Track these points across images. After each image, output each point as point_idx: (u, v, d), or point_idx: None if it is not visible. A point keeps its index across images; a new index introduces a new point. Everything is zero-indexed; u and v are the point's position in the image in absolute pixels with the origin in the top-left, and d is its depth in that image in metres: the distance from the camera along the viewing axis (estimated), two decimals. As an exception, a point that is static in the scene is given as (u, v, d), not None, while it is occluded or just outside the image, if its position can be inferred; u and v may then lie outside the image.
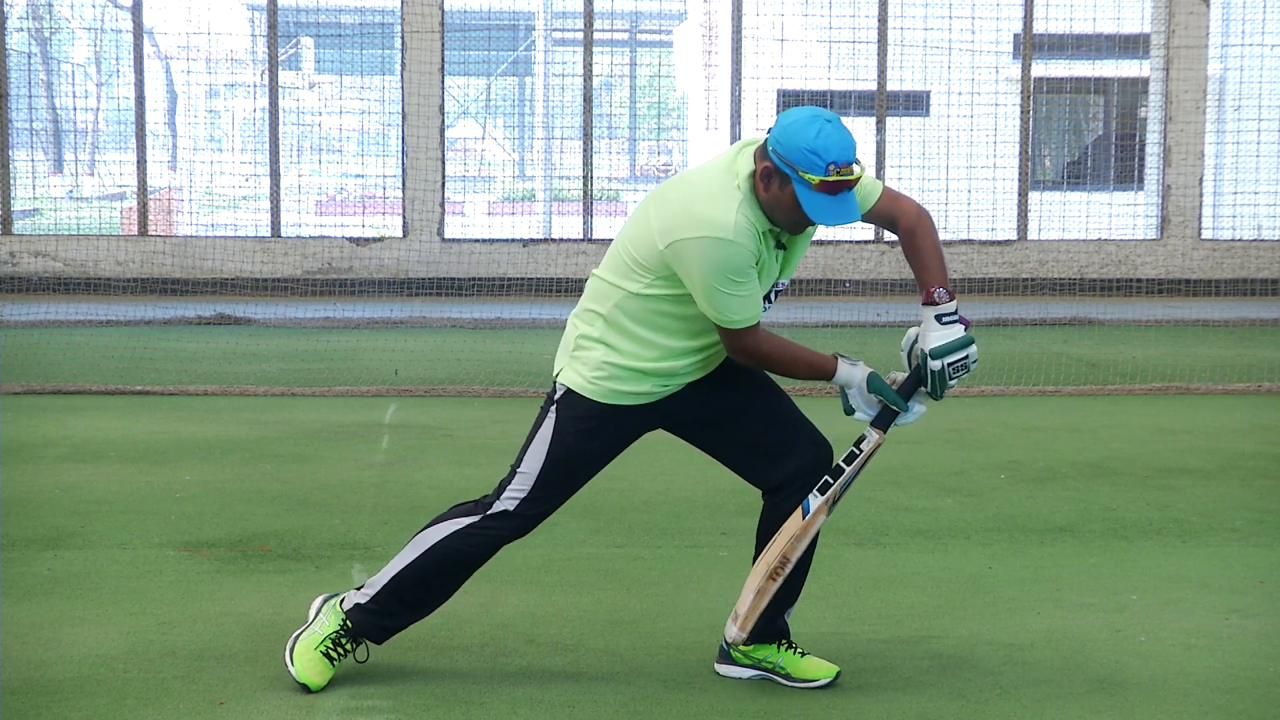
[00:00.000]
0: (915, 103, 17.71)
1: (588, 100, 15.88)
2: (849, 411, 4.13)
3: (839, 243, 15.84)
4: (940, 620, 4.80)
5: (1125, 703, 4.12)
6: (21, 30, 19.40)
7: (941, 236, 16.25)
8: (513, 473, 4.15)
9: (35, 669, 4.28)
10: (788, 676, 4.24)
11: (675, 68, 25.35)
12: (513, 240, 15.89)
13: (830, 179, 3.86)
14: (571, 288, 15.22)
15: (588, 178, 15.91)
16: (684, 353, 4.08)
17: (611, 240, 16.58)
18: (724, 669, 4.31)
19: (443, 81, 15.72)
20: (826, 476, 4.14)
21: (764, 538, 4.25)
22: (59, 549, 5.57)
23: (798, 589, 4.30)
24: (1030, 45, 16.06)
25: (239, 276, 15.28)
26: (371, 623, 4.19)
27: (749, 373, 4.20)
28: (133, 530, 5.85)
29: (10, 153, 15.49)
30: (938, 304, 4.08)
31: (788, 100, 17.91)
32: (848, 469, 4.13)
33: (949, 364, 4.05)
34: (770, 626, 4.28)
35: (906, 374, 4.13)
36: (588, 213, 15.86)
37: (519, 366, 10.34)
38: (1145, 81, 16.99)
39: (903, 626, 4.74)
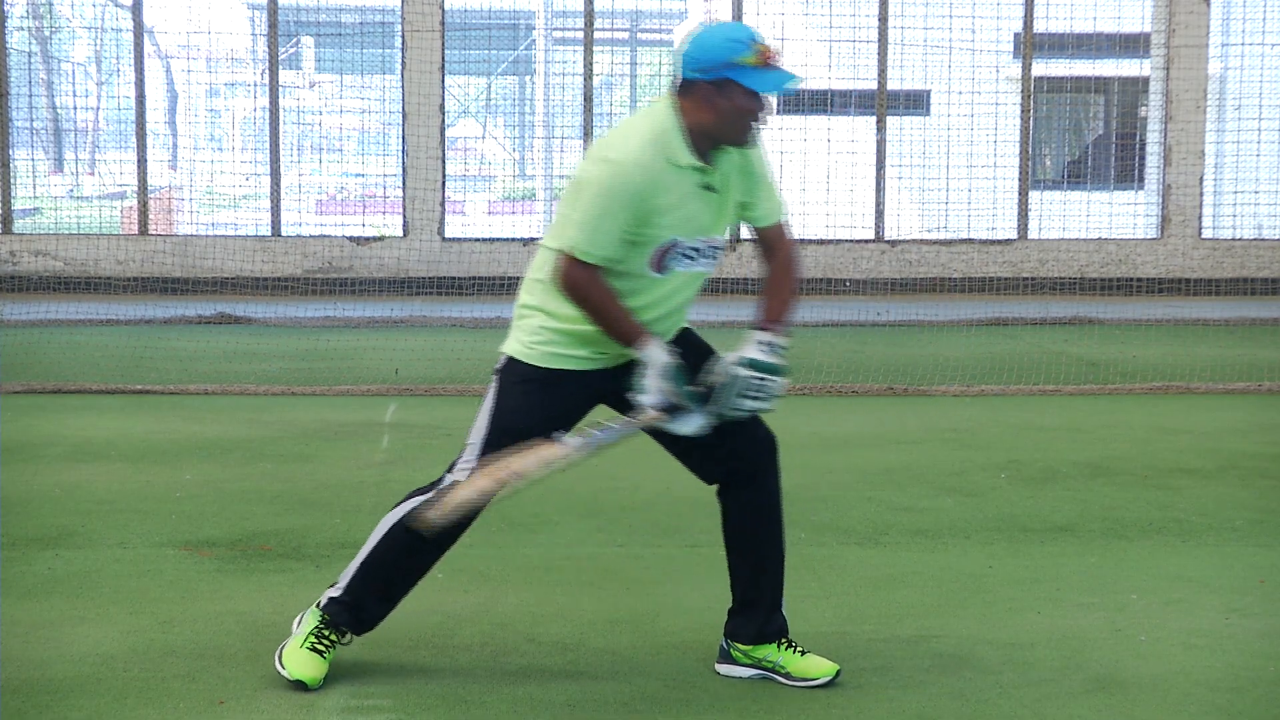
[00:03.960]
0: (916, 102, 17.71)
1: (588, 99, 15.88)
2: (635, 390, 4.03)
3: (839, 242, 15.84)
4: (940, 620, 4.80)
5: (1125, 702, 4.12)
6: (22, 29, 19.40)
7: (942, 236, 16.29)
8: (463, 446, 4.18)
9: (36, 668, 4.28)
10: (788, 675, 4.24)
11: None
12: (513, 239, 15.89)
13: (761, 49, 3.93)
14: (572, 287, 15.20)
15: (588, 177, 15.88)
16: None
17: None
18: (724, 669, 4.31)
19: (443, 80, 15.72)
20: (594, 428, 4.04)
21: (731, 537, 4.28)
22: (59, 548, 5.58)
23: (778, 577, 4.30)
24: (1030, 44, 16.06)
25: (239, 276, 15.28)
26: (346, 614, 4.21)
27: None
28: (133, 529, 5.85)
29: (11, 152, 15.48)
30: (773, 333, 4.08)
31: (787, 99, 17.91)
32: (616, 425, 4.03)
33: (752, 378, 4.01)
34: (769, 625, 4.28)
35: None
36: (588, 212, 15.84)
37: (519, 366, 10.33)
38: (1146, 81, 16.99)
39: (903, 626, 4.74)
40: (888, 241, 15.84)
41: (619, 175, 3.91)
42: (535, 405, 4.12)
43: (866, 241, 15.87)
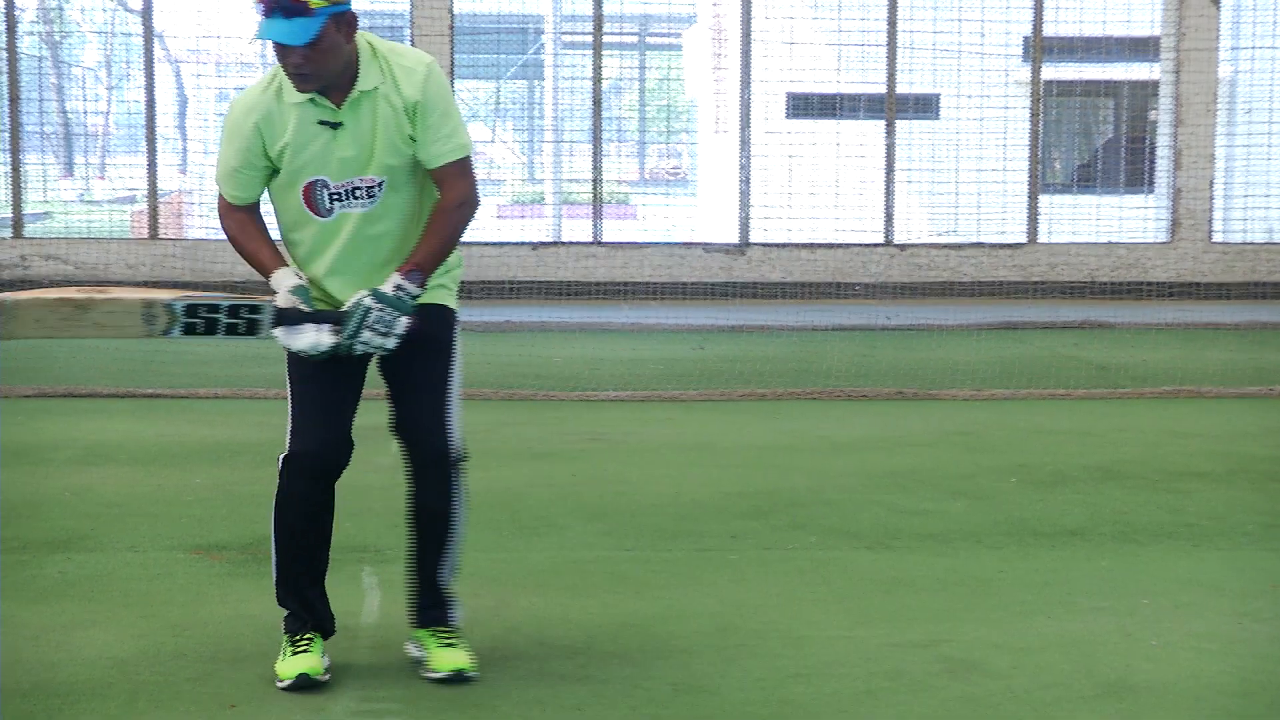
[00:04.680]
0: (925, 105, 17.70)
1: (597, 103, 15.89)
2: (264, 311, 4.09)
3: (848, 246, 15.82)
4: (950, 624, 4.80)
5: (1136, 706, 4.11)
6: (32, 34, 19.44)
7: (951, 239, 16.29)
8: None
9: (46, 671, 4.29)
10: (428, 665, 4.26)
11: (684, 71, 25.34)
12: (522, 243, 15.90)
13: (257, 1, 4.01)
14: (581, 291, 15.22)
15: (597, 181, 15.91)
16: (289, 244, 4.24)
17: (621, 244, 16.43)
18: (407, 647, 4.37)
19: (452, 84, 15.73)
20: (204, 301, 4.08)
21: (409, 515, 4.35)
22: (70, 552, 5.58)
23: (431, 576, 4.33)
24: (1040, 48, 16.05)
25: (250, 279, 15.28)
26: (282, 603, 4.33)
27: (422, 355, 4.23)
28: (143, 533, 5.86)
29: (21, 156, 15.51)
30: (407, 280, 4.08)
31: (796, 103, 17.91)
32: (221, 299, 4.06)
33: (379, 311, 4.02)
34: (426, 614, 4.32)
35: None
36: (597, 216, 15.86)
37: (528, 369, 10.35)
38: (1155, 84, 16.96)
39: (912, 630, 4.73)
40: (897, 245, 15.83)
41: (231, 114, 4.15)
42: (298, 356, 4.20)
43: (876, 245, 15.86)
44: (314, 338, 4.06)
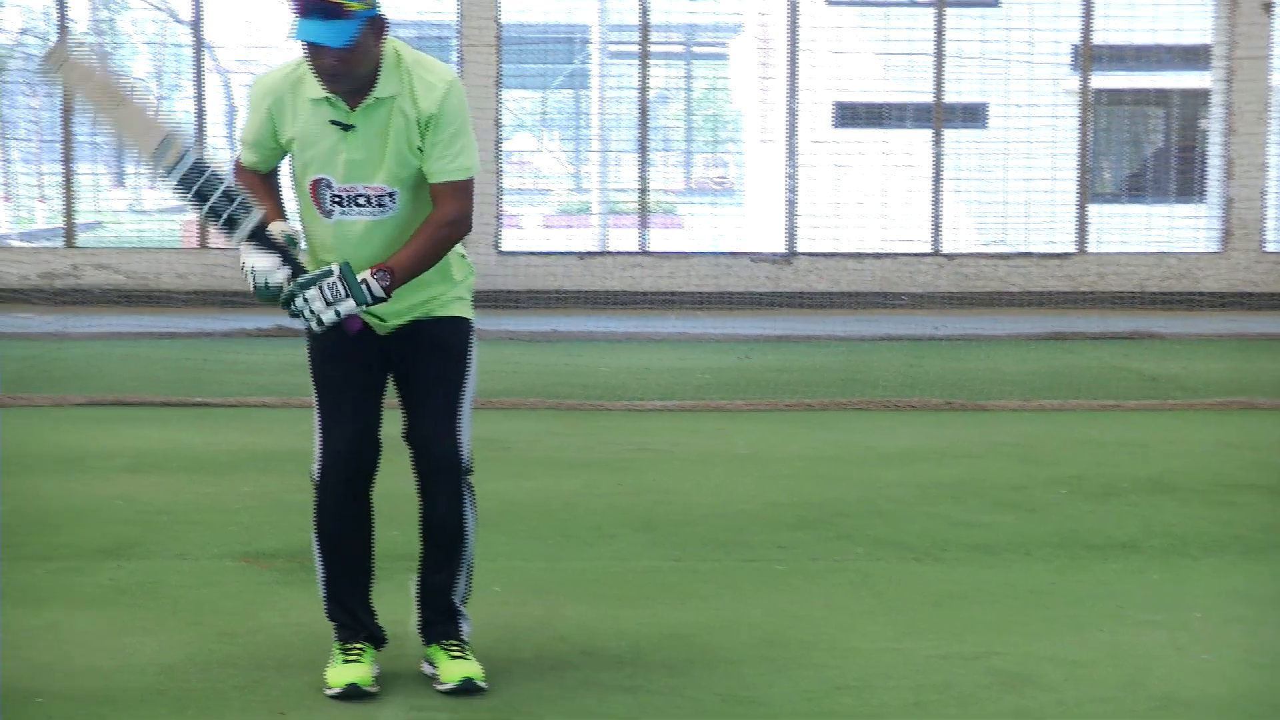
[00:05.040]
0: (973, 115, 17.62)
1: (643, 113, 15.90)
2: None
3: (896, 256, 15.77)
4: (1001, 636, 4.76)
5: (1189, 721, 4.07)
6: (84, 45, 19.62)
7: (999, 249, 16.20)
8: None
9: (98, 678, 4.32)
10: (439, 678, 4.26)
11: (731, 80, 25.34)
12: (569, 253, 15.91)
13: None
14: (627, 300, 15.22)
15: (644, 190, 15.91)
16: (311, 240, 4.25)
17: (667, 253, 16.41)
18: (423, 664, 4.37)
19: (499, 94, 15.77)
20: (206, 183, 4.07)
21: (420, 527, 4.39)
22: (120, 559, 5.62)
23: (445, 590, 4.34)
24: (1089, 57, 15.96)
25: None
26: (330, 614, 4.34)
27: (437, 362, 4.28)
28: (193, 541, 5.89)
29: (73, 166, 15.65)
30: (374, 277, 4.06)
31: (843, 113, 17.87)
32: (227, 180, 4.07)
33: (336, 281, 4.01)
34: (434, 627, 4.32)
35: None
36: (644, 225, 15.87)
37: (575, 379, 10.35)
38: (1206, 93, 16.83)
39: (963, 642, 4.70)
40: (945, 255, 15.76)
41: (253, 89, 4.21)
42: (333, 351, 4.23)
43: (923, 255, 15.79)
44: (270, 266, 4.03)
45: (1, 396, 9.25)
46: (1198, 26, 16.60)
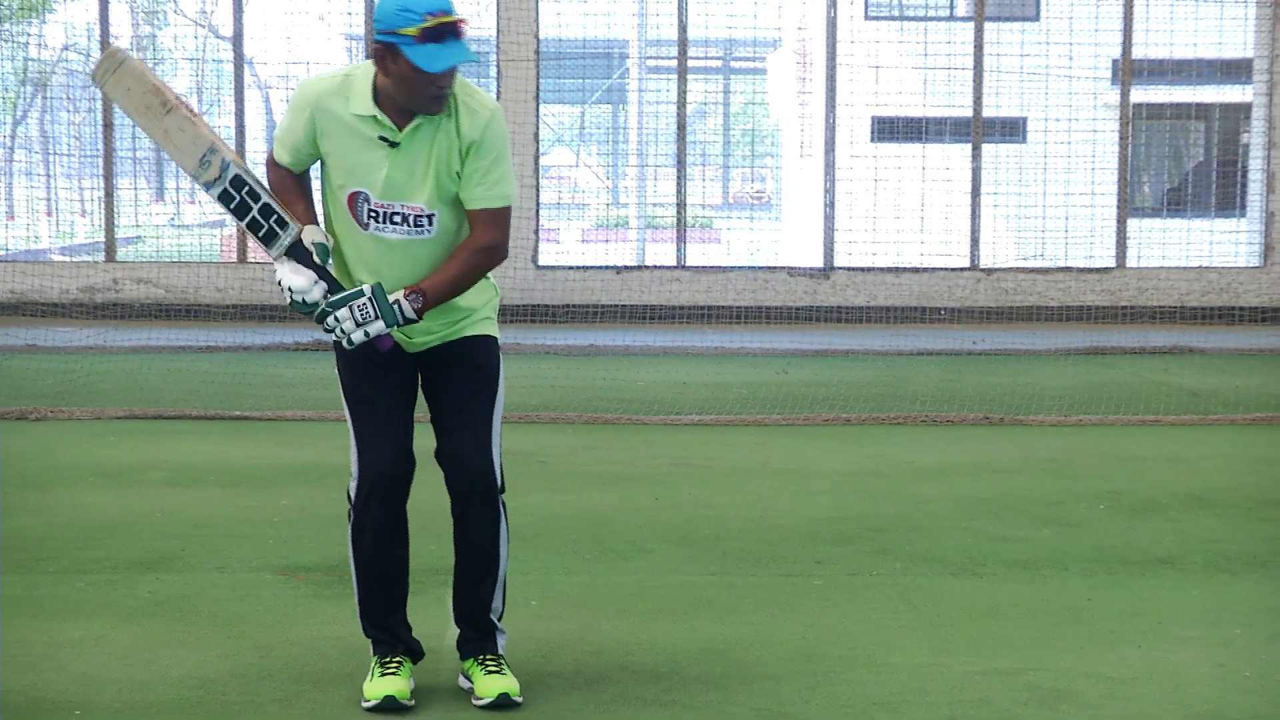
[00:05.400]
0: (1012, 129, 17.57)
1: (681, 127, 15.91)
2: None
3: (934, 270, 15.73)
4: (1038, 652, 4.74)
5: (1229, 739, 4.04)
6: (136, 54, 19.76)
7: (1038, 264, 16.14)
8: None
9: (136, 690, 4.34)
10: (475, 693, 4.26)
11: (769, 95, 25.35)
12: (606, 267, 15.93)
13: (429, 25, 3.98)
14: (665, 315, 15.23)
15: (681, 205, 15.93)
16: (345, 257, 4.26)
17: (705, 268, 16.36)
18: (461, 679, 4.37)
19: (538, 109, 15.81)
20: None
21: (456, 544, 4.40)
22: (159, 572, 5.65)
23: (483, 611, 4.34)
24: (1129, 71, 15.89)
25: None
26: (365, 629, 4.34)
27: (469, 381, 4.30)
28: (231, 554, 5.92)
29: (114, 181, 15.76)
30: (408, 299, 4.09)
31: (882, 127, 17.84)
32: (265, 195, 4.12)
33: (369, 301, 4.04)
34: (470, 643, 4.33)
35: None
36: (681, 240, 15.88)
37: (612, 393, 10.36)
38: (1248, 106, 16.73)
39: (1000, 658, 4.68)
40: (983, 270, 15.70)
41: (299, 93, 4.19)
42: (365, 370, 4.25)
43: (962, 270, 15.75)
44: (305, 285, 4.08)
45: (42, 410, 9.32)
46: (1238, 40, 16.51)
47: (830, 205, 15.91)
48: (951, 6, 20.02)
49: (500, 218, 4.20)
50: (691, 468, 7.83)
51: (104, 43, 15.66)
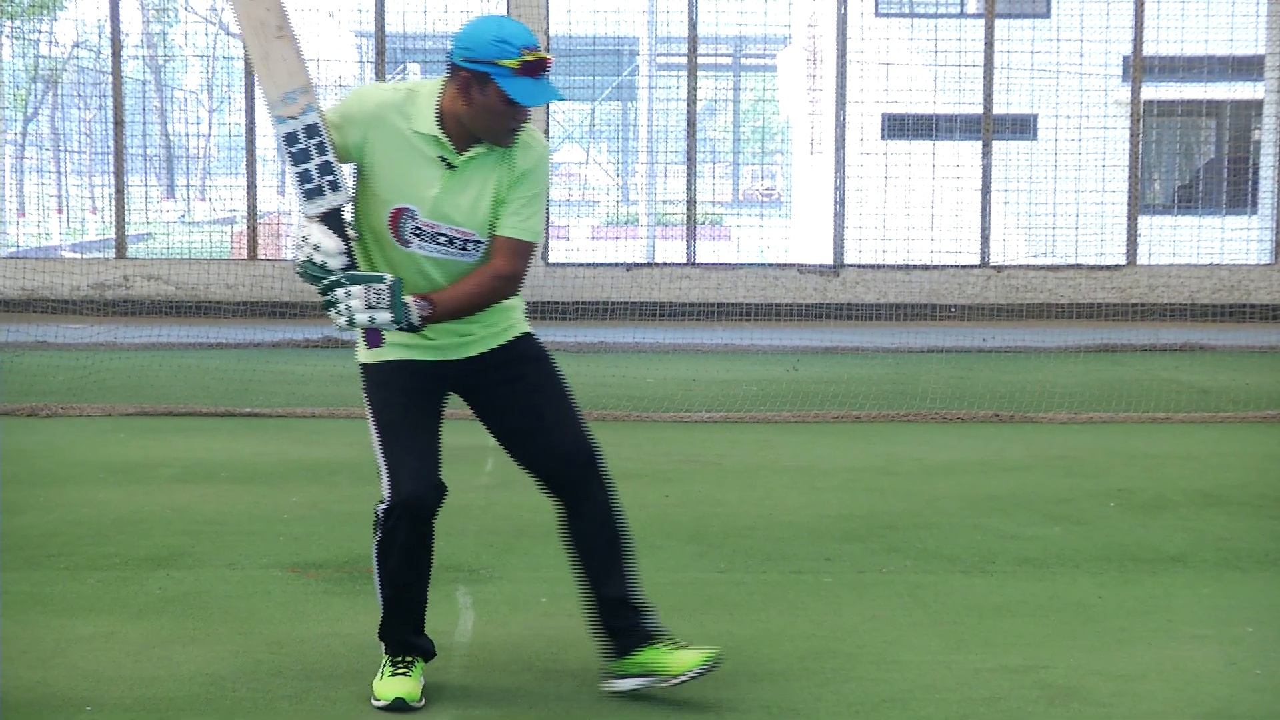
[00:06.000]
0: (1022, 126, 17.56)
1: (691, 124, 15.91)
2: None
3: (944, 268, 15.72)
4: (1048, 650, 4.73)
5: (1240, 737, 4.03)
6: (136, 58, 19.79)
7: (1049, 261, 16.12)
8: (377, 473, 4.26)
9: (146, 687, 4.34)
10: (665, 674, 4.22)
11: (779, 92, 25.34)
12: (616, 264, 15.94)
13: (528, 59, 3.98)
14: (675, 312, 15.23)
15: (691, 202, 15.93)
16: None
17: (715, 265, 16.39)
18: (612, 685, 4.29)
19: (547, 106, 15.81)
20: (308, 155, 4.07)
21: (575, 551, 4.35)
22: (170, 568, 5.66)
23: (625, 596, 4.32)
24: (1140, 68, 15.87)
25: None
26: (385, 635, 4.31)
27: (535, 376, 4.29)
28: (242, 550, 5.93)
29: (125, 178, 15.79)
30: (417, 304, 4.06)
31: (892, 124, 17.84)
32: (330, 155, 4.06)
33: (386, 289, 4.00)
34: (635, 631, 4.28)
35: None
36: (691, 237, 15.88)
37: (622, 390, 10.36)
38: (1259, 104, 16.70)
39: (1010, 656, 4.67)
40: (993, 267, 15.69)
41: (360, 97, 4.16)
42: (395, 393, 4.23)
43: (972, 267, 15.74)
44: (334, 249, 4.02)
45: (52, 406, 9.34)
46: (1250, 37, 16.49)
47: (840, 202, 15.91)
48: (962, 3, 20.00)
49: (525, 251, 4.19)
50: (701, 465, 7.83)
51: (114, 40, 15.69)
